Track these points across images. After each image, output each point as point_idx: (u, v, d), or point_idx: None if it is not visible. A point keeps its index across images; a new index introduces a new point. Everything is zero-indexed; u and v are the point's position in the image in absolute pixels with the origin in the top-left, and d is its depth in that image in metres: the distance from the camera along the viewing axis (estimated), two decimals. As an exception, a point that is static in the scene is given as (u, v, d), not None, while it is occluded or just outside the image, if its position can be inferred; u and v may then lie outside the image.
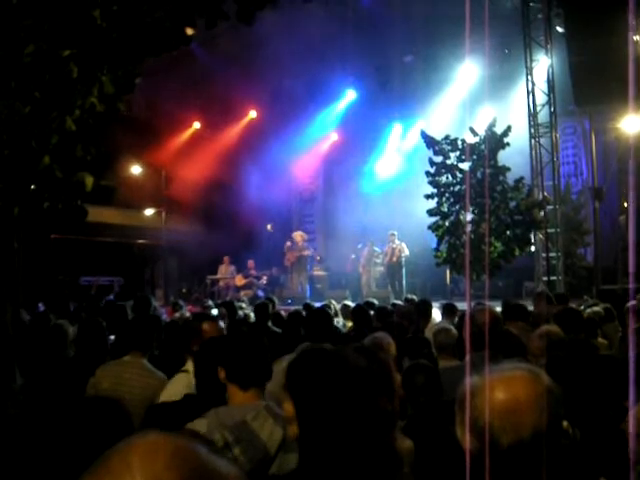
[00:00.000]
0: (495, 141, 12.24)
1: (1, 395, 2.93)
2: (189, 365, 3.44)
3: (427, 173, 12.76)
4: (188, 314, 8.08)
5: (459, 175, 12.49)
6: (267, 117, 18.65)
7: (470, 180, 12.64)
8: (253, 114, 19.35)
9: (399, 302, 8.74)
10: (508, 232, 12.16)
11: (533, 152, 13.45)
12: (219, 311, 6.92)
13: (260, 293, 15.31)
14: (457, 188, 12.53)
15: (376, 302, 8.21)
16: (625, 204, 14.58)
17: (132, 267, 17.56)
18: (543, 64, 13.66)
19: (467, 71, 15.72)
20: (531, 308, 6.76)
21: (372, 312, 6.86)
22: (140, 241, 18.18)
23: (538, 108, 13.55)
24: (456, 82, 16.65)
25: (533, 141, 13.48)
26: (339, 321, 7.10)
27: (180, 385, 3.41)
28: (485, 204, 11.86)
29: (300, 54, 14.49)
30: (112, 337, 4.99)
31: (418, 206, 13.32)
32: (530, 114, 13.58)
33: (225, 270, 16.55)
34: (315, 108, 18.37)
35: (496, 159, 12.37)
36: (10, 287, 4.70)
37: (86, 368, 3.87)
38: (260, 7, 4.42)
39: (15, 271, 4.74)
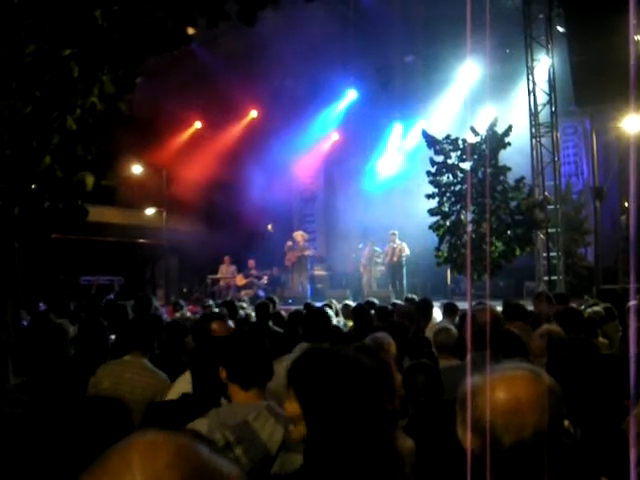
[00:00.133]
0: (496, 141, 12.24)
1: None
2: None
3: (428, 173, 12.75)
4: (189, 314, 8.10)
5: (460, 175, 12.49)
6: (268, 117, 18.64)
7: (471, 180, 12.63)
8: (254, 114, 19.35)
9: (399, 302, 8.74)
10: (509, 232, 12.16)
11: (534, 152, 13.45)
12: (220, 311, 6.91)
13: (261, 293, 15.31)
14: (458, 188, 12.53)
15: (377, 302, 8.21)
16: (626, 204, 14.57)
17: (133, 267, 17.56)
18: (544, 64, 13.66)
19: (468, 71, 15.73)
20: (532, 308, 6.76)
21: (373, 312, 6.86)
22: (141, 241, 18.18)
23: (539, 108, 13.54)
24: (457, 82, 16.64)
25: (534, 141, 13.48)
26: (340, 321, 7.10)
27: (188, 384, 3.40)
28: (486, 204, 11.85)
29: (301, 54, 14.48)
30: (113, 337, 4.99)
31: (419, 206, 13.32)
32: (531, 114, 13.57)
33: (226, 270, 16.54)
34: (316, 108, 18.35)
35: (497, 159, 12.37)
36: (11, 287, 4.70)
37: (87, 367, 3.86)
38: (261, 7, 4.42)
39: (16, 271, 4.74)
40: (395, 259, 14.79)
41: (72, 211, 4.59)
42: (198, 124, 19.23)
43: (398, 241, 14.88)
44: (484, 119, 12.69)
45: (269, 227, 17.98)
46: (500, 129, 12.36)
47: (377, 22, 15.60)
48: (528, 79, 13.65)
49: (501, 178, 12.27)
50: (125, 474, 0.71)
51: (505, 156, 12.53)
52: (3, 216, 4.34)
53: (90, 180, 4.38)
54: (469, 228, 12.11)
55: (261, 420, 2.40)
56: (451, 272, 14.33)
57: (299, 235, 16.27)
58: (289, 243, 16.16)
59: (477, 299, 7.22)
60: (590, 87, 12.03)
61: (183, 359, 3.99)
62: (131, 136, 11.26)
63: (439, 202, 12.60)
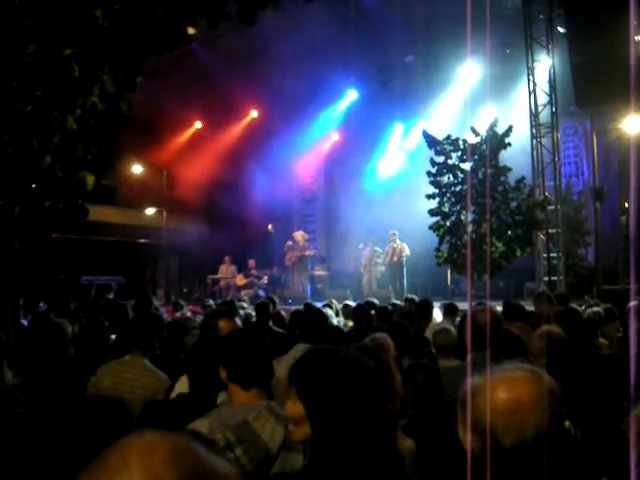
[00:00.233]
0: (496, 141, 12.23)
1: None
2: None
3: (428, 173, 12.75)
4: (189, 314, 8.10)
5: (460, 175, 12.48)
6: (268, 117, 18.64)
7: (471, 180, 12.62)
8: (254, 114, 19.34)
9: (398, 302, 8.75)
10: (509, 232, 12.15)
11: (534, 152, 13.45)
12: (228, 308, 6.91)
13: (261, 293, 15.31)
14: (458, 188, 12.52)
15: (377, 302, 8.21)
16: (626, 204, 14.58)
17: (133, 267, 17.56)
18: (544, 64, 13.65)
19: (468, 71, 15.73)
20: (532, 308, 6.76)
21: (373, 312, 6.87)
22: (141, 241, 18.19)
23: (539, 108, 13.54)
24: (457, 82, 16.65)
25: (534, 141, 13.48)
26: (340, 321, 7.11)
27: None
28: (486, 204, 11.84)
29: (301, 54, 14.47)
30: (113, 337, 4.99)
31: (419, 206, 13.31)
32: (531, 114, 13.57)
33: (226, 270, 16.54)
34: (316, 108, 18.35)
35: (497, 159, 12.36)
36: (11, 287, 4.71)
37: (87, 367, 3.87)
38: (261, 7, 4.41)
39: (16, 270, 4.74)
40: (395, 259, 14.79)
41: (72, 211, 4.59)
42: (198, 124, 19.23)
43: (398, 241, 14.88)
44: (484, 119, 12.68)
45: (269, 227, 17.99)
46: (500, 129, 12.35)
47: (377, 22, 15.59)
48: (528, 79, 13.65)
49: (501, 178, 12.26)
50: (123, 473, 0.71)
51: (505, 156, 12.52)
52: (3, 216, 4.34)
53: (90, 180, 4.38)
54: (469, 228, 12.10)
55: (261, 420, 2.40)
56: (451, 272, 14.33)
57: (299, 235, 16.27)
58: (289, 243, 16.17)
59: (477, 299, 7.23)
60: (590, 88, 12.03)
61: (182, 358, 4.00)
62: (131, 136, 11.26)
63: (439, 202, 12.59)
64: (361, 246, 16.26)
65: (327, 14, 14.25)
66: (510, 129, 12.28)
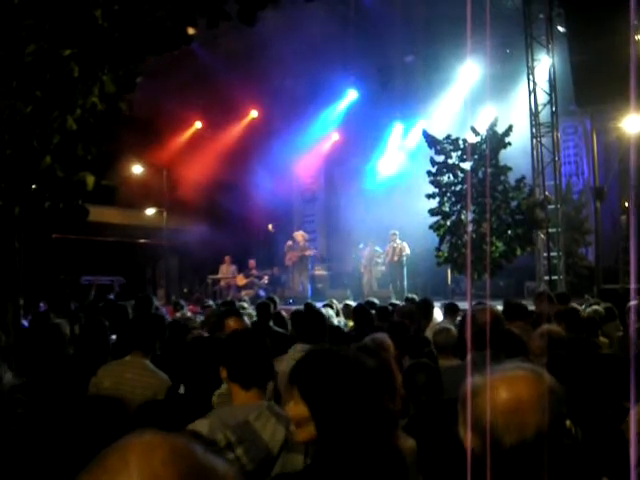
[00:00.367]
0: (496, 141, 12.24)
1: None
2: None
3: (428, 173, 12.75)
4: (189, 314, 8.11)
5: (460, 175, 12.49)
6: (268, 117, 18.65)
7: (471, 180, 12.62)
8: (254, 114, 19.35)
9: (397, 302, 8.75)
10: (509, 232, 12.16)
11: (534, 152, 13.45)
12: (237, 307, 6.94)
13: (261, 293, 15.31)
14: (458, 188, 12.53)
15: (377, 302, 8.21)
16: (626, 204, 14.57)
17: (133, 267, 17.57)
18: (544, 64, 13.65)
19: (468, 71, 15.73)
20: (532, 308, 6.76)
21: (373, 312, 6.87)
22: (141, 241, 18.20)
23: (539, 108, 13.54)
24: (457, 82, 16.64)
25: (534, 141, 13.47)
26: (340, 321, 7.11)
27: None
28: (486, 204, 11.85)
29: (301, 54, 14.47)
30: (113, 337, 4.99)
31: (419, 205, 13.31)
32: (531, 114, 13.57)
33: (226, 270, 16.55)
34: (316, 108, 18.35)
35: (497, 159, 12.37)
36: (11, 287, 4.71)
37: (88, 367, 3.87)
38: (261, 7, 4.41)
39: (16, 271, 4.74)
40: (396, 259, 14.79)
41: (73, 211, 4.59)
42: (198, 124, 19.24)
43: (399, 241, 14.88)
44: (484, 119, 12.69)
45: (270, 227, 17.97)
46: (500, 129, 12.36)
47: (377, 22, 15.58)
48: (528, 79, 13.64)
49: (501, 178, 12.27)
50: (123, 472, 0.72)
51: (505, 156, 12.52)
52: (3, 216, 4.34)
53: (90, 180, 4.38)
54: (469, 228, 12.10)
55: (262, 420, 2.40)
56: (451, 272, 14.33)
57: (299, 235, 16.27)
58: (289, 243, 16.17)
59: (477, 299, 7.22)
60: (590, 87, 12.03)
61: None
62: (132, 136, 11.27)
63: (440, 202, 12.60)
64: (361, 246, 16.26)
65: (327, 14, 14.25)
66: (510, 128, 12.29)
